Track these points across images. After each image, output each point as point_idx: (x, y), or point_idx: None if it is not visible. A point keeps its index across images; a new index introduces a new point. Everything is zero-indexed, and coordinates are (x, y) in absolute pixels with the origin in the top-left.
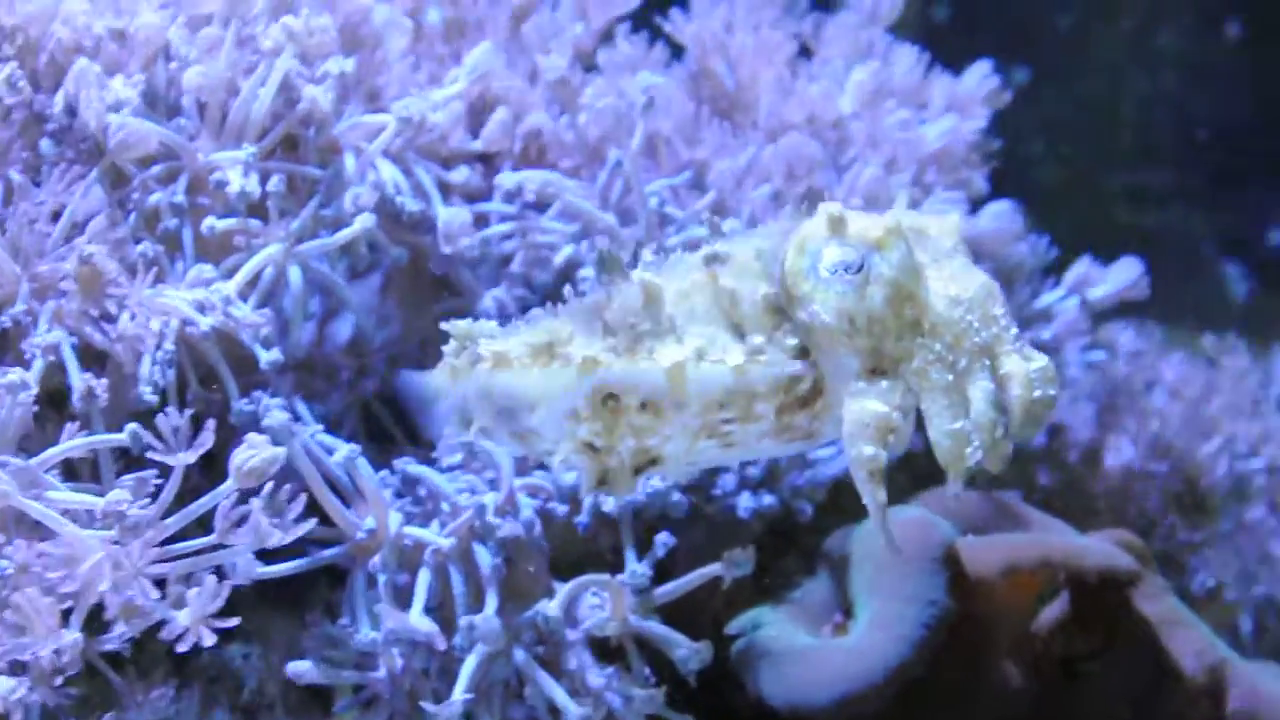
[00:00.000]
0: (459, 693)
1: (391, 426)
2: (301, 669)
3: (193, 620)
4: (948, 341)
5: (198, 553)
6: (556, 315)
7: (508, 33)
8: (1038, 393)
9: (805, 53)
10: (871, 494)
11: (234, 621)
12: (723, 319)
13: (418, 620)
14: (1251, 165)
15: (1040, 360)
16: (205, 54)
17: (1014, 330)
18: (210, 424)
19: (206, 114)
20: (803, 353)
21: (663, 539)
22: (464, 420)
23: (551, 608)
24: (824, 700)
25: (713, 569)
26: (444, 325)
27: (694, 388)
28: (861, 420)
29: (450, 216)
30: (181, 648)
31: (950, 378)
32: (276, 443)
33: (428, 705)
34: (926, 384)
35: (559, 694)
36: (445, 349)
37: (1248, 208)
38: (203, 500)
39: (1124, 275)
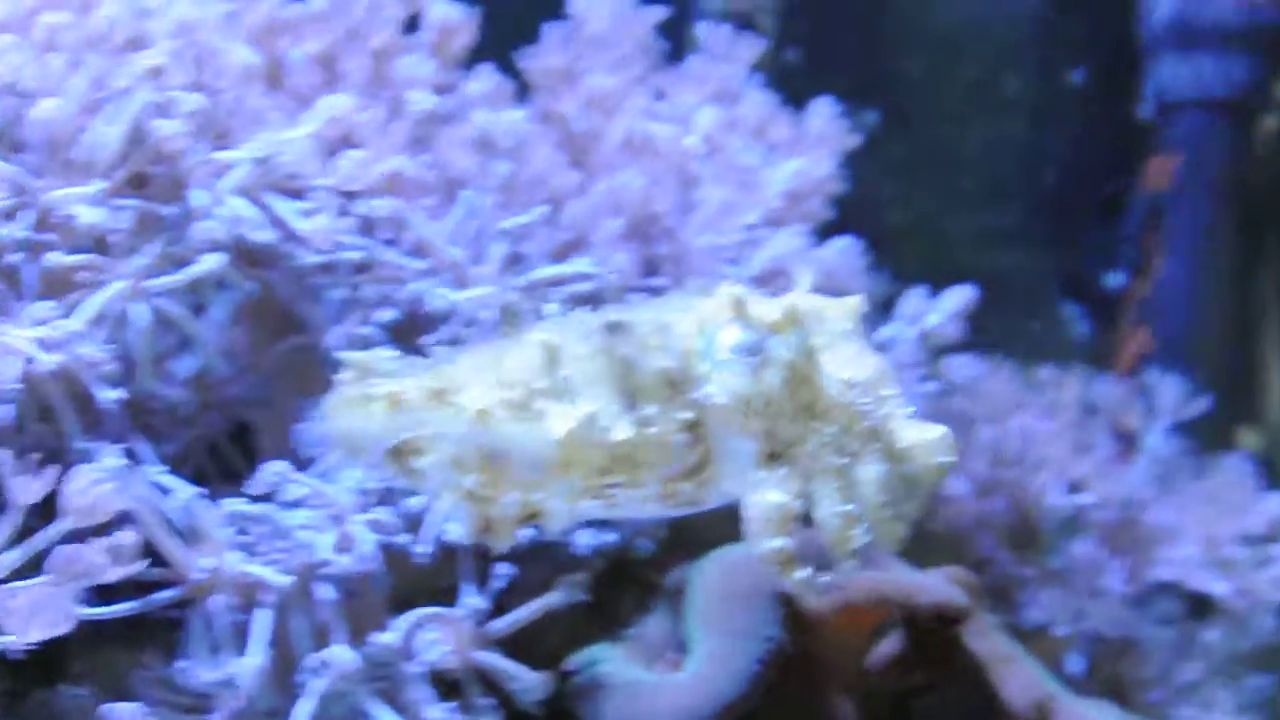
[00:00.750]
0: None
1: (240, 464)
2: (123, 713)
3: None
4: (841, 425)
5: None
6: (454, 359)
7: (370, 71)
8: (938, 459)
9: (659, 93)
10: (791, 579)
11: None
12: (617, 387)
13: (255, 658)
14: (1091, 208)
15: (937, 430)
16: (53, 88)
17: (909, 409)
18: (54, 466)
19: (54, 149)
20: (694, 426)
21: (503, 570)
22: (351, 451)
23: (388, 639)
24: None
25: (549, 598)
26: (341, 354)
27: (581, 454)
28: (764, 516)
29: (314, 226)
30: None
31: (842, 461)
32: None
33: None
34: (818, 467)
35: None
36: (339, 377)
37: (1087, 250)
38: (35, 539)
39: (954, 301)
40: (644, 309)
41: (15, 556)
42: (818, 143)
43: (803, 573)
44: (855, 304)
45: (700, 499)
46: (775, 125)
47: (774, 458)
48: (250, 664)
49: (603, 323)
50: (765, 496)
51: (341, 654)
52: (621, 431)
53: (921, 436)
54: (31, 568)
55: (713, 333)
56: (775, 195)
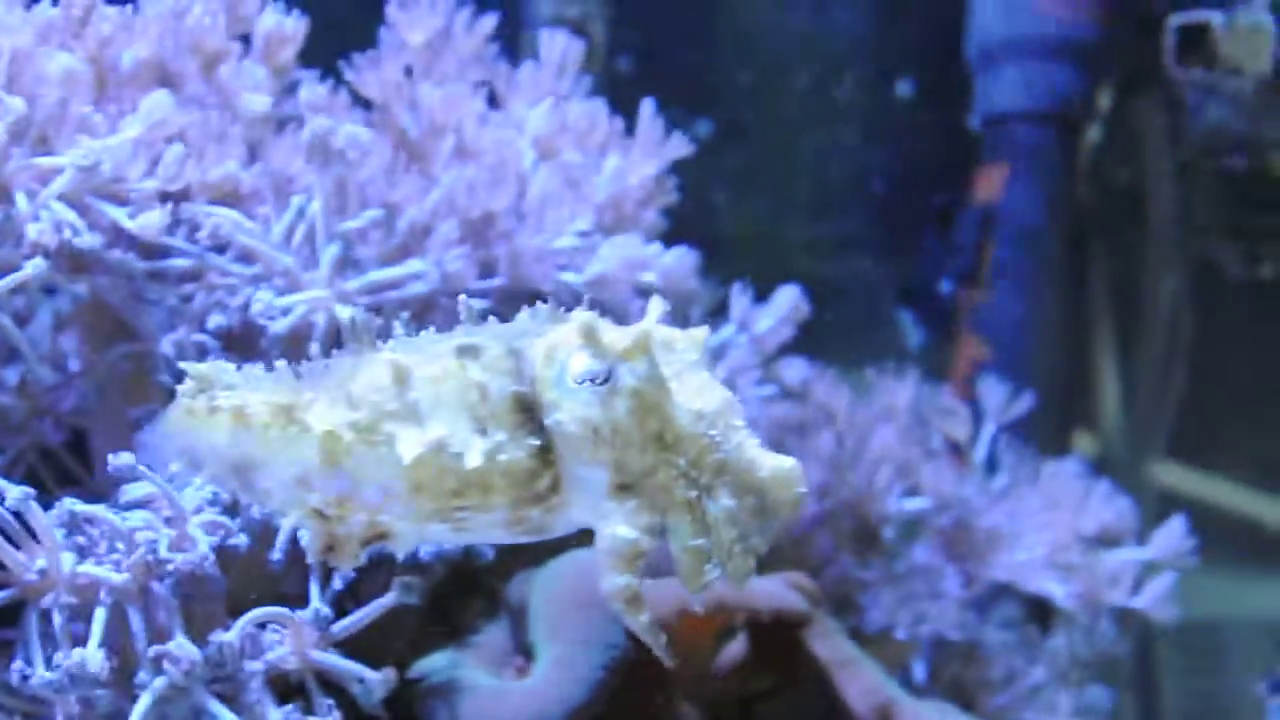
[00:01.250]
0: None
1: (76, 471)
2: None
3: None
4: (691, 457)
5: None
6: (300, 375)
7: (200, 77)
8: (794, 491)
9: (493, 101)
10: (633, 620)
11: None
12: (467, 411)
13: (92, 656)
14: (923, 218)
15: (789, 461)
16: None
17: (756, 439)
18: None
19: None
20: (544, 452)
21: (343, 573)
22: (192, 464)
23: (228, 638)
24: None
25: (388, 599)
26: (184, 365)
27: (431, 478)
28: (614, 551)
29: (143, 223)
30: None
31: (694, 494)
32: None
33: None
34: (669, 499)
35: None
36: (180, 388)
37: (920, 259)
38: None
39: (784, 303)
40: (494, 332)
41: None
42: (645, 147)
43: (645, 616)
44: (702, 334)
45: (547, 526)
46: (602, 130)
47: (624, 489)
48: (88, 657)
49: (454, 345)
50: (615, 530)
51: (182, 647)
52: (473, 458)
53: (778, 467)
54: None
55: (563, 360)
56: (605, 198)
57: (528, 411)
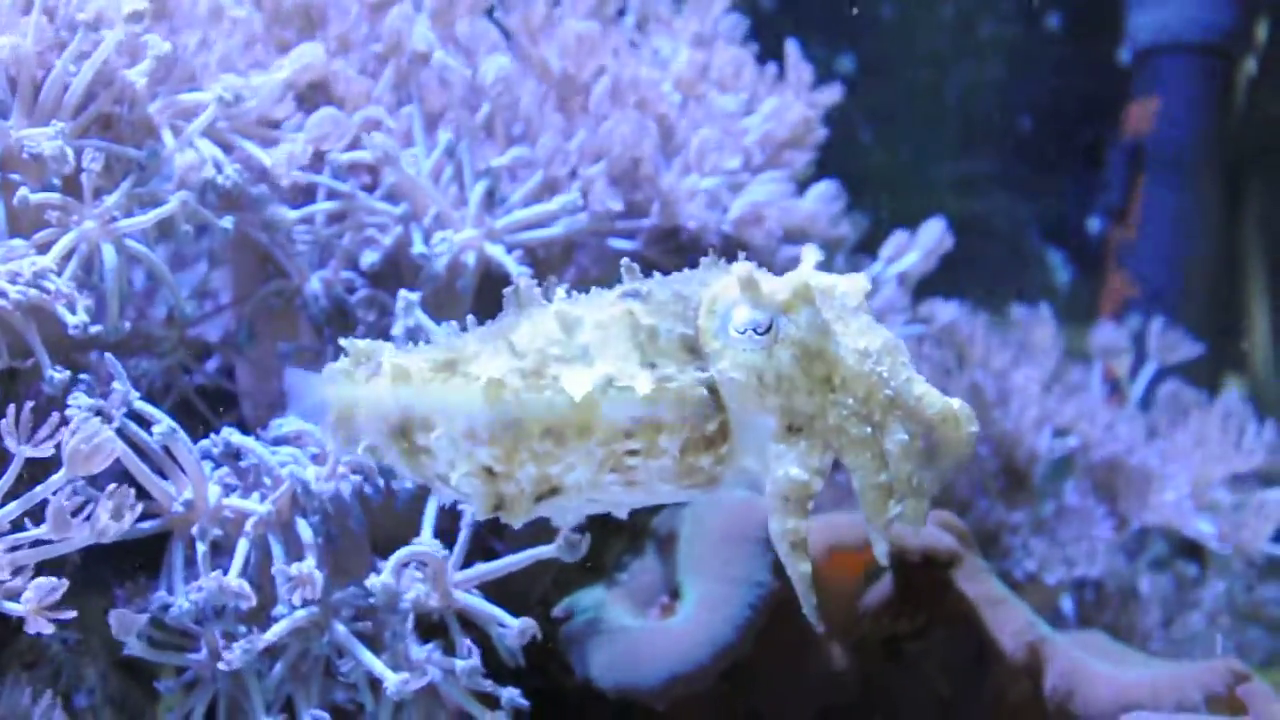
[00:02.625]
0: (272, 635)
1: (222, 400)
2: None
3: (32, 609)
4: (860, 396)
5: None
6: (461, 336)
7: (358, 19)
8: (967, 430)
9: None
10: (794, 566)
11: (71, 614)
12: (636, 352)
13: (232, 583)
14: (1071, 153)
15: (957, 401)
16: (9, 27)
17: (922, 377)
18: (54, 416)
19: (18, 90)
20: (712, 394)
21: (466, 529)
22: (349, 436)
23: (379, 581)
24: (651, 681)
25: (547, 550)
26: (343, 342)
27: (602, 414)
28: (785, 494)
29: (282, 154)
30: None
31: (868, 430)
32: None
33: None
34: (846, 440)
35: (376, 664)
36: (335, 366)
37: (1068, 195)
38: (37, 490)
39: (930, 237)
40: (664, 282)
41: (14, 508)
42: (795, 89)
43: (806, 566)
44: (863, 281)
45: (717, 477)
46: (750, 71)
47: (794, 431)
48: (227, 585)
49: (620, 292)
50: (788, 471)
51: (318, 579)
52: (643, 386)
53: (947, 406)
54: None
55: (723, 311)
56: (754, 141)
57: (696, 353)
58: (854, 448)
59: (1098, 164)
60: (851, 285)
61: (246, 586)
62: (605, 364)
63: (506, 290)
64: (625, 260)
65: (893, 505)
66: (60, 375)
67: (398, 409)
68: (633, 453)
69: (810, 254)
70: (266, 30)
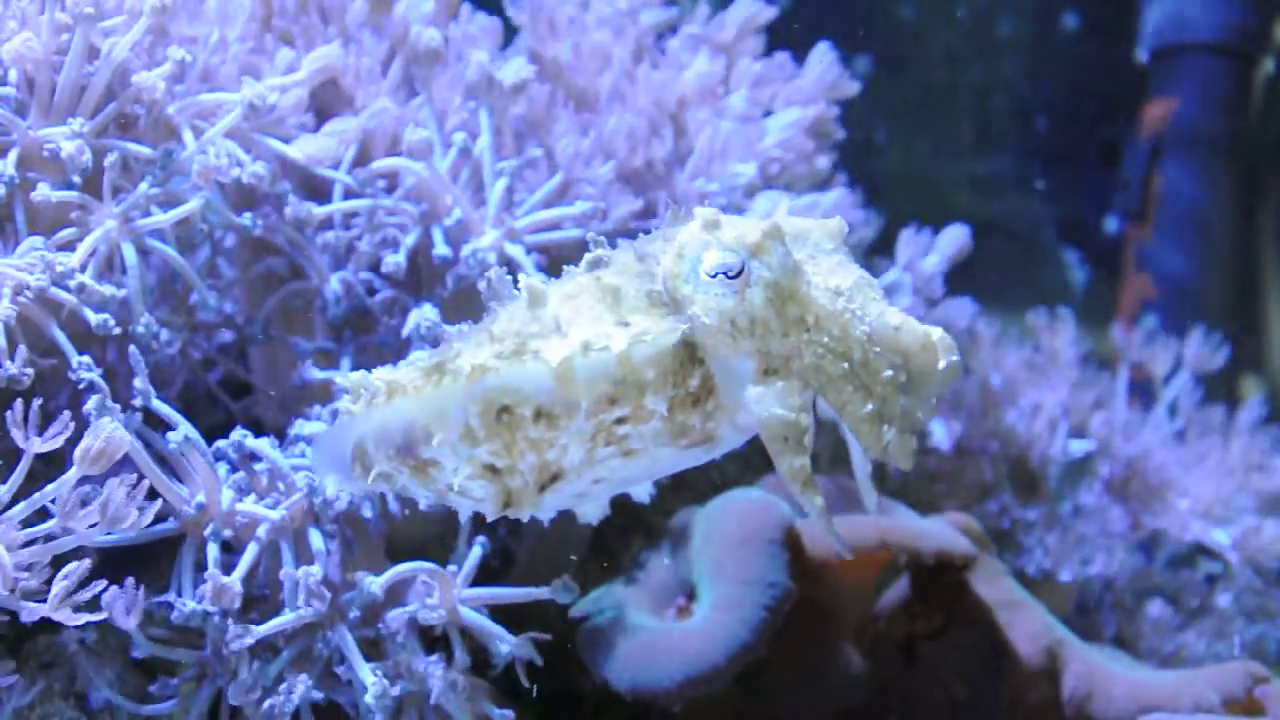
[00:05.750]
0: (265, 630)
1: (239, 399)
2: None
3: (57, 603)
4: (835, 334)
5: (49, 538)
6: (449, 341)
7: (365, 14)
8: (942, 356)
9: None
10: (808, 500)
11: (101, 616)
12: (608, 315)
13: (227, 587)
14: (1088, 153)
15: (937, 330)
16: (26, 25)
17: (897, 309)
18: (65, 414)
19: (35, 89)
20: (689, 346)
21: (478, 545)
22: (363, 466)
23: (375, 585)
24: (667, 683)
25: (539, 592)
26: (337, 378)
27: (582, 381)
28: (776, 434)
29: (312, 147)
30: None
31: (846, 366)
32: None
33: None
34: (825, 378)
35: (364, 670)
36: (338, 405)
37: (1085, 195)
38: (49, 489)
39: (951, 241)
40: (625, 246)
41: (21, 509)
42: (811, 90)
43: (820, 500)
44: (838, 224)
45: (712, 435)
46: (769, 72)
47: (770, 373)
48: (227, 586)
49: (585, 262)
50: (771, 411)
51: (322, 584)
52: (618, 343)
53: (926, 334)
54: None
55: (693, 255)
56: (772, 144)
57: (665, 306)
58: (834, 383)
59: (1115, 164)
60: (825, 230)
61: (238, 586)
62: (579, 330)
63: (480, 285)
64: (590, 234)
65: (885, 430)
66: (86, 362)
67: (398, 425)
68: (621, 420)
69: (783, 201)
70: (266, 22)
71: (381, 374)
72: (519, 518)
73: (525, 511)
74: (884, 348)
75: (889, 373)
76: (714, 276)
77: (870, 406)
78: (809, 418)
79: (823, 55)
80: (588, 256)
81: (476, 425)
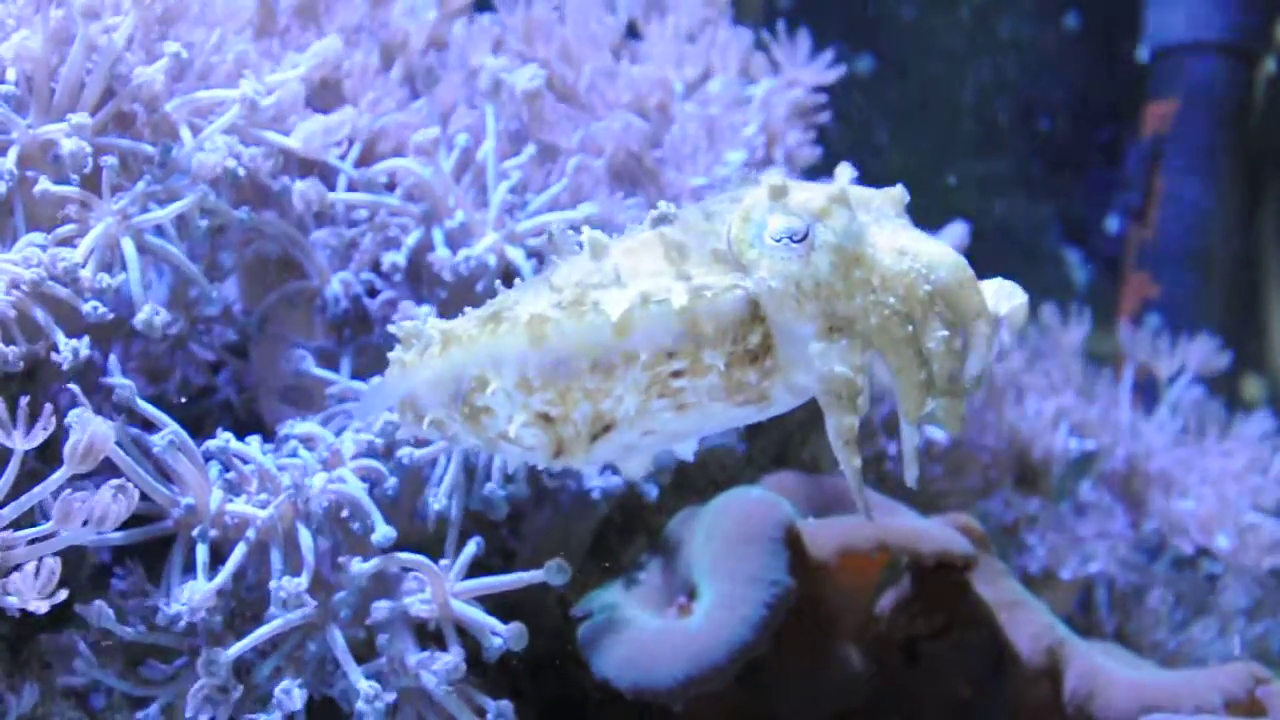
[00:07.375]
0: (248, 643)
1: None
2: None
3: (26, 591)
4: (900, 294)
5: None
6: (504, 291)
7: (364, 13)
8: (1017, 301)
9: (635, 35)
10: (848, 460)
11: (63, 594)
12: (670, 270)
13: (199, 588)
14: (1090, 153)
15: (996, 280)
16: (24, 23)
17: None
18: (48, 408)
19: (34, 87)
20: (751, 305)
21: (473, 542)
22: (415, 415)
23: (364, 568)
24: (667, 682)
25: (531, 576)
26: (391, 327)
27: (641, 332)
28: (833, 391)
29: (305, 187)
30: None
31: (910, 329)
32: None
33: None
34: (888, 340)
35: (355, 674)
36: (391, 355)
37: (1087, 195)
38: (35, 490)
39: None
40: (692, 206)
41: (10, 510)
42: (796, 79)
43: (858, 460)
44: (899, 192)
45: (767, 394)
46: (754, 65)
47: (834, 331)
48: (204, 589)
49: (650, 218)
50: (832, 369)
51: (295, 583)
52: (678, 298)
53: (991, 288)
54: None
55: (759, 219)
56: (754, 130)
57: (729, 264)
58: (896, 346)
59: (1116, 163)
60: (888, 197)
61: (214, 599)
62: (640, 283)
63: (542, 239)
64: (662, 201)
65: (930, 402)
66: (77, 344)
67: (452, 374)
68: (678, 374)
69: (844, 170)
70: (265, 20)
71: (436, 323)
72: (563, 467)
73: (576, 461)
74: (947, 305)
75: (944, 333)
76: (779, 241)
77: (923, 374)
78: (864, 379)
79: (800, 39)
80: (652, 213)
81: (533, 374)
